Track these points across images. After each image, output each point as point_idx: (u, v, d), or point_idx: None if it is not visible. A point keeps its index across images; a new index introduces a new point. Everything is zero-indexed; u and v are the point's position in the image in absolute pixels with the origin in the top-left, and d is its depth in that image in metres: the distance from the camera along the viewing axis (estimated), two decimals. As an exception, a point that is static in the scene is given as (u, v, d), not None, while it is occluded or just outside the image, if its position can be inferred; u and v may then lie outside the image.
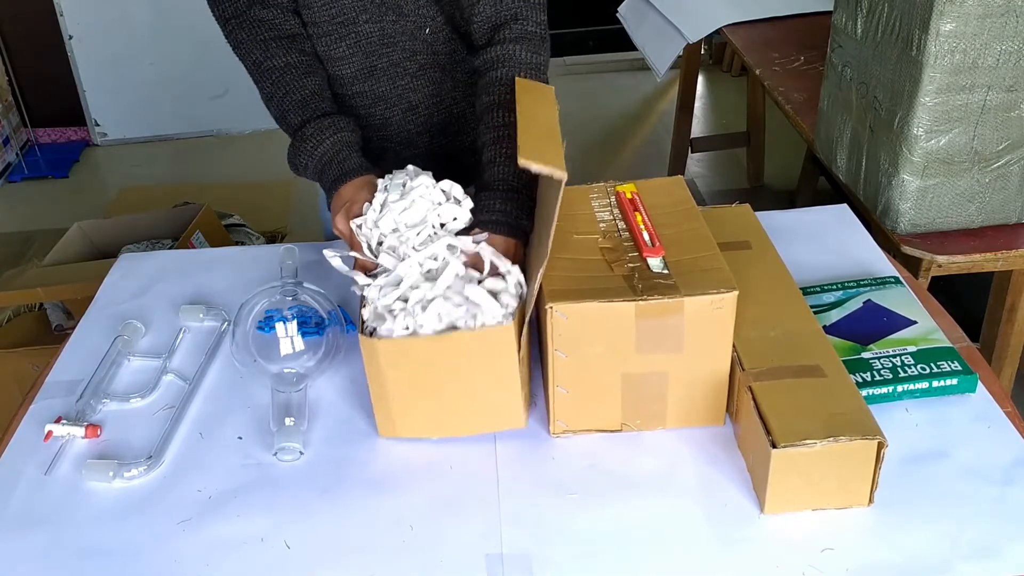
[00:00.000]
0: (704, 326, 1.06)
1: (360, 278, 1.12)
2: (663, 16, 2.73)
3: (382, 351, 1.07)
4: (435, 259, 1.11)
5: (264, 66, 1.32)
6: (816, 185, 3.05)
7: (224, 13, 1.34)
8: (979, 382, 1.16)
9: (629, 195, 1.22)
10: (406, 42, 1.38)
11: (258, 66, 1.32)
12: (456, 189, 1.19)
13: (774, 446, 0.98)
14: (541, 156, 1.00)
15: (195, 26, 3.78)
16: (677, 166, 3.37)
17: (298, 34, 1.35)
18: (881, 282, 1.31)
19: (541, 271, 1.04)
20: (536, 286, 1.06)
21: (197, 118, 3.99)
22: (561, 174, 0.98)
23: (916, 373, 1.14)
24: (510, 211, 1.19)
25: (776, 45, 2.43)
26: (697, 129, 3.68)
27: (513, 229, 1.18)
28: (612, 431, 1.14)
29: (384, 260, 1.12)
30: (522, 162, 0.98)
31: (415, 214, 1.14)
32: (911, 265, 1.61)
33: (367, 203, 1.18)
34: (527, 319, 1.09)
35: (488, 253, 1.11)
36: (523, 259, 1.17)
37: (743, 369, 1.08)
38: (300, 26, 1.36)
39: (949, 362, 1.16)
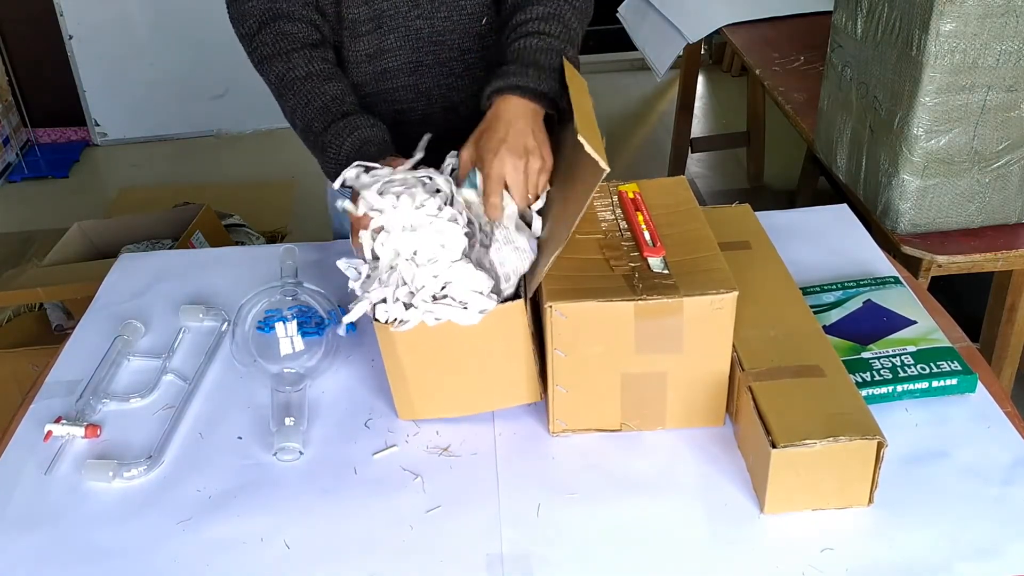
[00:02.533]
0: (704, 326, 1.06)
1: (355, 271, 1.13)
2: (663, 16, 2.73)
3: (398, 338, 1.07)
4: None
5: (287, 78, 1.30)
6: (816, 185, 3.05)
7: (249, 30, 1.33)
8: (979, 382, 1.16)
9: (631, 195, 1.22)
10: (457, 40, 1.38)
11: (281, 79, 1.31)
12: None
13: (774, 446, 0.98)
14: (591, 139, 1.01)
15: (195, 26, 3.78)
16: (677, 166, 3.37)
17: (320, 43, 1.34)
18: (881, 282, 1.31)
19: (556, 253, 1.04)
20: (548, 265, 1.05)
21: (197, 118, 3.99)
22: (605, 165, 1.00)
23: (916, 373, 1.14)
24: (529, 74, 1.17)
25: (776, 45, 2.43)
26: (697, 129, 3.68)
27: (534, 93, 1.16)
28: (612, 431, 1.14)
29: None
30: (579, 138, 1.00)
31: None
32: (911, 265, 1.61)
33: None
34: (530, 295, 1.09)
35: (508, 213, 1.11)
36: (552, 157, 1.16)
37: (743, 369, 1.08)
38: (321, 38, 1.35)
39: (949, 362, 1.16)
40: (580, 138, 1.01)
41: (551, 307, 1.04)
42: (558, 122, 1.25)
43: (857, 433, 0.98)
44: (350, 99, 1.32)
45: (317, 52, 1.33)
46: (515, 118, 1.16)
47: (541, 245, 1.12)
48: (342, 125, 1.27)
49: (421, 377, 1.12)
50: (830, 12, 1.79)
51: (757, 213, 1.35)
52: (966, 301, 2.06)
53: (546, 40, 1.25)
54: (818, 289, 1.31)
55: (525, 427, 1.16)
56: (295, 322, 1.23)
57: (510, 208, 1.12)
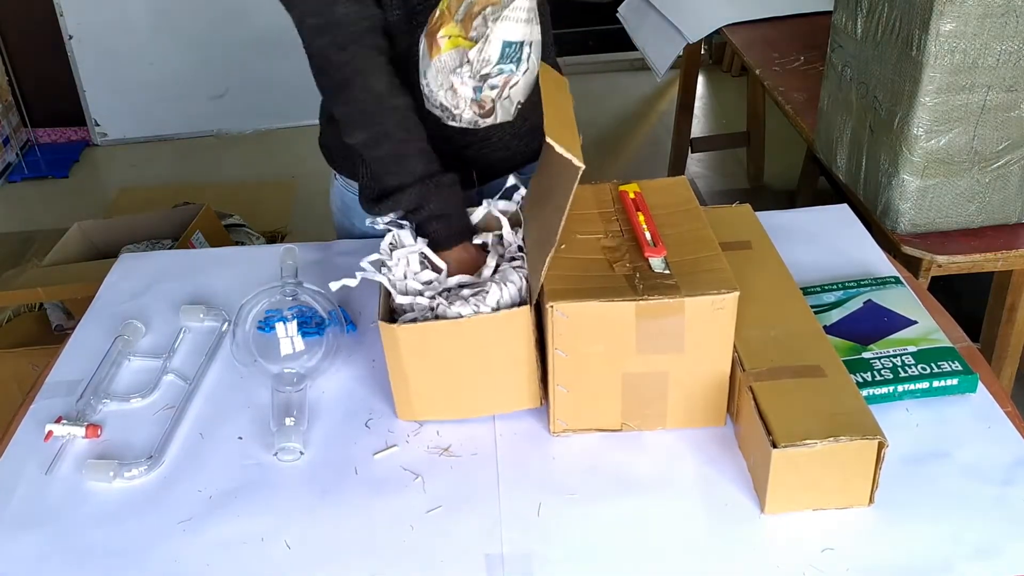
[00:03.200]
0: (705, 326, 1.06)
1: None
2: (663, 16, 2.73)
3: (402, 338, 1.08)
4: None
5: (387, 103, 1.26)
6: (816, 185, 3.05)
7: (343, 41, 1.25)
8: (979, 382, 1.16)
9: (632, 195, 1.22)
10: None
11: (380, 99, 1.26)
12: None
13: (775, 446, 0.98)
14: (563, 139, 1.02)
15: (195, 26, 3.78)
16: (677, 166, 3.37)
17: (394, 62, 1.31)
18: (881, 282, 1.31)
19: (549, 256, 1.04)
20: (544, 270, 1.06)
21: (197, 118, 3.99)
22: (579, 162, 1.00)
23: (916, 373, 1.14)
24: None
25: (776, 45, 2.43)
26: (697, 129, 3.68)
27: None
28: (612, 431, 1.14)
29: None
30: (548, 139, 1.01)
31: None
32: (911, 265, 1.61)
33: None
34: (533, 300, 1.10)
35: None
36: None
37: (744, 369, 1.08)
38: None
39: (949, 362, 1.16)
40: (548, 139, 1.01)
41: (552, 307, 1.04)
42: None
43: (858, 433, 0.98)
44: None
45: (401, 78, 1.29)
46: None
47: (533, 249, 1.13)
48: (453, 178, 1.27)
49: (422, 378, 1.12)
50: (830, 12, 1.79)
51: (757, 213, 1.36)
52: (966, 301, 2.06)
53: None
54: (818, 289, 1.31)
55: (525, 427, 1.16)
56: (295, 322, 1.23)
57: None
